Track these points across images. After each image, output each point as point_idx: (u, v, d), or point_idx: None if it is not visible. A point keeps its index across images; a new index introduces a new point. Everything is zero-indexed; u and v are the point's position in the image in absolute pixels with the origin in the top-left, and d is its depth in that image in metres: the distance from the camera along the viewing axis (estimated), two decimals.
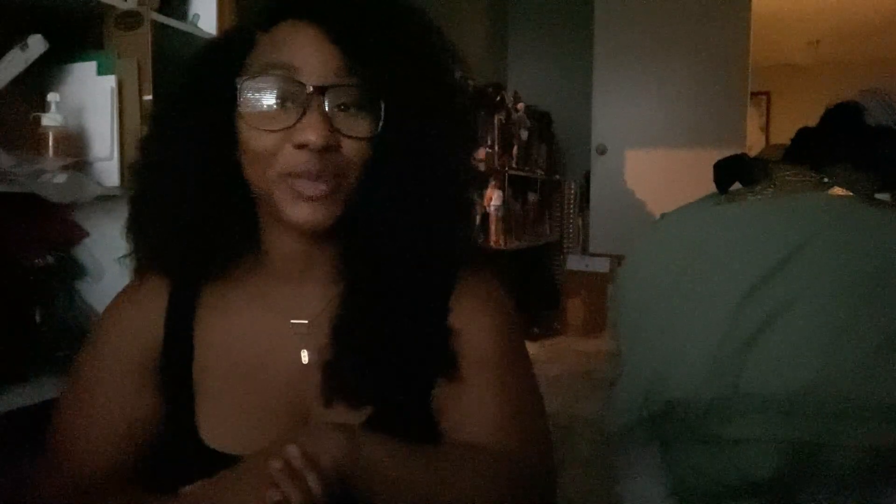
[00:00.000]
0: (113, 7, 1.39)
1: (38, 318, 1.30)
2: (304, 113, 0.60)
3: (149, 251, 0.69)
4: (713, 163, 1.40)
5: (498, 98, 3.72)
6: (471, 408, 0.67)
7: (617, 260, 3.81)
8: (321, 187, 0.61)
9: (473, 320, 0.70)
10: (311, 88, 0.60)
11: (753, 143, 4.43)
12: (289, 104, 0.61)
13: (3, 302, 1.23)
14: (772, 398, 1.01)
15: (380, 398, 0.66)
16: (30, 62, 1.29)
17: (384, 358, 0.66)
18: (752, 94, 4.16)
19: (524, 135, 4.10)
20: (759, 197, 1.26)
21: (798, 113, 2.57)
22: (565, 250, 4.69)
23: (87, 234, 1.46)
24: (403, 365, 0.67)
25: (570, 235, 4.73)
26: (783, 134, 1.56)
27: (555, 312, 4.45)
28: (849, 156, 1.25)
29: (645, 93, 4.05)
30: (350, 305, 0.68)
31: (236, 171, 0.65)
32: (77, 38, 1.43)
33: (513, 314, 0.75)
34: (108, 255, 1.40)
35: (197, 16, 1.67)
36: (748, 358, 1.05)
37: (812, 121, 1.39)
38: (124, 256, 0.70)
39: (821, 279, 1.05)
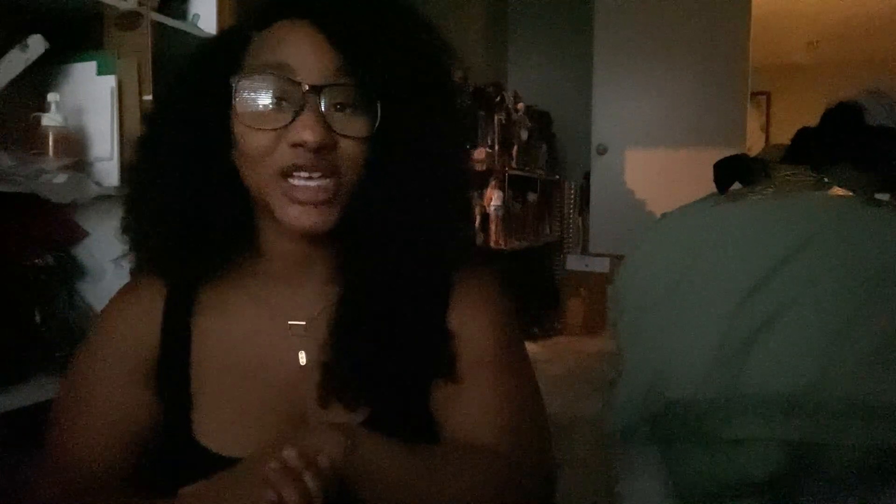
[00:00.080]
0: (113, 7, 1.39)
1: (38, 318, 1.30)
2: (299, 112, 0.60)
3: (145, 252, 0.69)
4: (713, 163, 1.39)
5: (498, 98, 3.72)
6: (470, 408, 0.67)
7: (617, 260, 3.80)
8: (318, 193, 0.61)
9: (472, 320, 0.70)
10: (307, 88, 0.60)
11: (753, 143, 4.42)
12: (284, 103, 0.61)
13: (3, 302, 1.23)
14: (772, 398, 1.01)
15: (378, 399, 0.66)
16: (30, 62, 1.29)
17: (382, 359, 0.66)
18: (752, 94, 4.17)
19: (524, 135, 4.10)
20: (759, 197, 1.26)
21: (798, 113, 2.56)
22: (565, 250, 4.69)
23: (87, 234, 1.46)
24: (401, 366, 0.66)
25: (570, 235, 4.73)
26: (783, 134, 1.56)
27: (554, 312, 4.44)
28: (849, 156, 1.25)
29: (645, 93, 4.05)
30: (348, 306, 0.68)
31: (233, 171, 0.64)
32: (77, 38, 1.43)
33: (512, 314, 0.74)
34: (108, 255, 1.40)
35: (197, 16, 1.67)
36: (748, 358, 1.05)
37: (812, 121, 1.39)
38: (120, 257, 0.70)
39: (821, 279, 1.04)
